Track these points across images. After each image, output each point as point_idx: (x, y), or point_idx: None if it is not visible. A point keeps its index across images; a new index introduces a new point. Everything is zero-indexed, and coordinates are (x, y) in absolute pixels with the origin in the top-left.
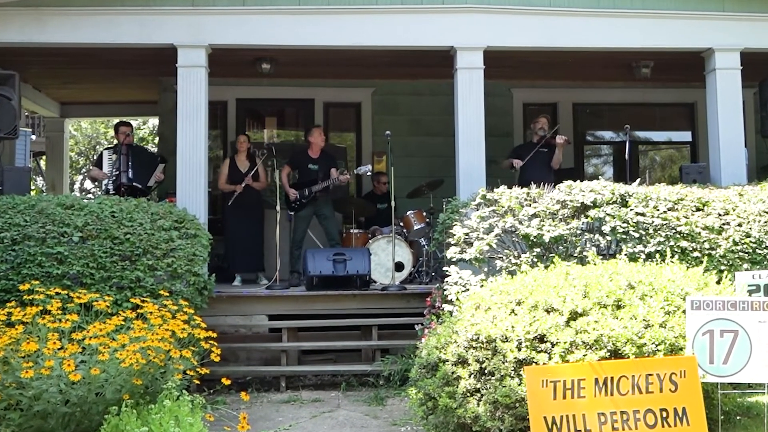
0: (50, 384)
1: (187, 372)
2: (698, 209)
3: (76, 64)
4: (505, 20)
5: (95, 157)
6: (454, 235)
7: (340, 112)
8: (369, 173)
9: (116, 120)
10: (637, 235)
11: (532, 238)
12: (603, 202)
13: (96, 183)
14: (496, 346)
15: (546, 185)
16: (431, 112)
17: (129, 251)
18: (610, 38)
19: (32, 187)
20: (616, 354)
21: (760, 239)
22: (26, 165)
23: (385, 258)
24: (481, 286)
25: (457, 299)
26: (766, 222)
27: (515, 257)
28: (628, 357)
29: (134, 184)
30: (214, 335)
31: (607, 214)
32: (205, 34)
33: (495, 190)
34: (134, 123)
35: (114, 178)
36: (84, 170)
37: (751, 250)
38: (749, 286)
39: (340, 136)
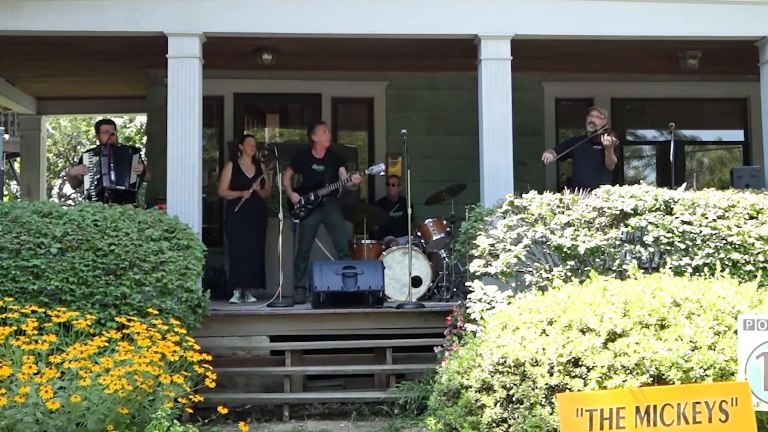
0: (25, 413)
1: (179, 399)
2: (752, 217)
3: (55, 55)
4: (534, 6)
5: (76, 159)
6: (478, 246)
7: (351, 109)
8: (383, 174)
9: (99, 117)
10: (682, 246)
11: (565, 249)
12: (645, 209)
13: (77, 189)
14: (525, 371)
15: (583, 190)
16: (452, 109)
17: (114, 264)
18: (652, 25)
19: (5, 193)
20: (659, 379)
21: None
22: None
23: (401, 272)
24: (509, 303)
25: (482, 318)
26: None
27: (546, 271)
28: (673, 383)
29: (117, 186)
30: (209, 358)
31: (650, 223)
32: (199, 21)
33: (524, 195)
34: (120, 121)
35: (96, 182)
36: (63, 173)
37: None
38: None
39: (351, 135)
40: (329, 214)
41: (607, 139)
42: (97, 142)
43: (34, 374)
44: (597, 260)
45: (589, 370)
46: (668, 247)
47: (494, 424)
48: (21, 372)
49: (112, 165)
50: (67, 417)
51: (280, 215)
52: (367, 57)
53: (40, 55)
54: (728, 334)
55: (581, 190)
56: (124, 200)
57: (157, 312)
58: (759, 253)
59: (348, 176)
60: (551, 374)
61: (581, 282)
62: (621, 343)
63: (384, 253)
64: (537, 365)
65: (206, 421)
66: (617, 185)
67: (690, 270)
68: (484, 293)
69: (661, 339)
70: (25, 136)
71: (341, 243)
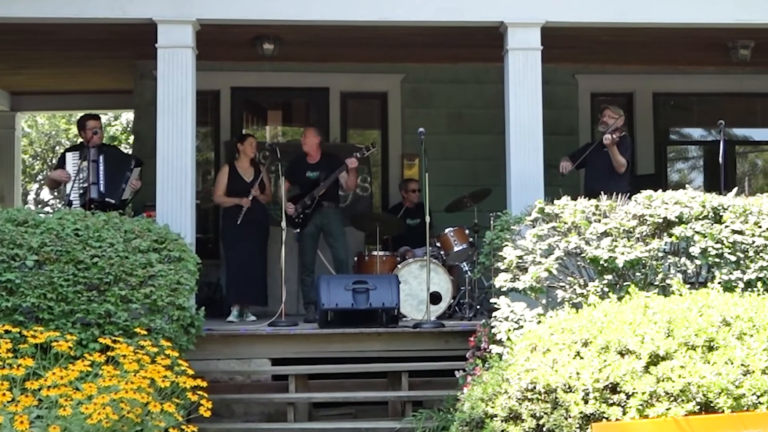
0: None
1: (170, 430)
2: None
3: (31, 45)
4: None
5: (55, 161)
6: (505, 258)
7: (362, 105)
8: (368, 153)
9: (81, 114)
10: (733, 258)
11: (602, 262)
12: (691, 217)
13: (56, 192)
14: (556, 398)
15: (605, 195)
16: (475, 105)
17: (97, 279)
18: (699, 11)
19: None
20: (707, 407)
21: None
22: None
23: (418, 287)
24: (538, 322)
25: (509, 339)
26: None
27: (581, 286)
28: (723, 411)
29: (107, 199)
30: (204, 384)
31: (696, 233)
32: (193, 7)
33: (555, 202)
34: (104, 118)
35: (81, 191)
36: (41, 177)
37: None
38: None
39: (362, 135)
40: (329, 221)
41: (606, 137)
42: (80, 141)
43: (9, 402)
44: (637, 274)
45: (628, 396)
46: (717, 260)
47: None
48: None
49: (101, 173)
50: None
51: (283, 223)
52: (380, 47)
53: (14, 45)
54: None
55: (600, 196)
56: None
57: (145, 332)
58: None
59: (345, 167)
60: (586, 401)
61: (620, 298)
62: (664, 366)
63: (399, 266)
64: (570, 391)
65: None
66: (650, 191)
67: (741, 285)
68: (511, 311)
69: (709, 362)
70: None
71: (340, 255)
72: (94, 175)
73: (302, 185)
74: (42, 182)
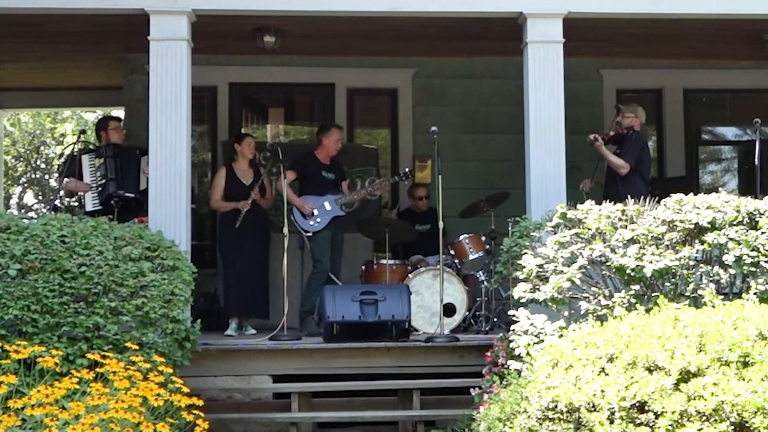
0: None
1: None
2: None
3: (16, 38)
4: None
5: (65, 166)
6: (524, 267)
7: (370, 102)
8: (405, 180)
9: (67, 112)
10: None
11: (628, 271)
12: (724, 222)
13: (74, 197)
14: (580, 417)
15: (609, 199)
16: (492, 102)
17: (84, 289)
18: (736, 1)
19: None
20: (741, 427)
21: None
22: None
23: (431, 298)
24: (560, 335)
25: (528, 354)
26: None
27: (606, 297)
28: (759, 431)
29: (127, 194)
30: (200, 403)
31: (730, 239)
32: None
33: (578, 206)
34: (91, 116)
35: (100, 188)
36: (23, 179)
37: None
38: None
39: (370, 134)
40: (337, 229)
41: (589, 138)
42: (79, 146)
43: None
44: (667, 284)
45: (657, 416)
46: (753, 269)
47: None
48: None
49: (118, 167)
50: None
51: (285, 230)
52: (390, 39)
53: None
54: None
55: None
56: (132, 210)
57: (137, 347)
58: None
59: (378, 183)
60: (612, 421)
61: (648, 310)
62: (696, 383)
63: (410, 275)
64: (594, 410)
65: None
66: (681, 194)
67: None
68: (531, 324)
69: (744, 379)
70: None
71: (338, 264)
72: (112, 170)
73: (314, 184)
74: (25, 185)
